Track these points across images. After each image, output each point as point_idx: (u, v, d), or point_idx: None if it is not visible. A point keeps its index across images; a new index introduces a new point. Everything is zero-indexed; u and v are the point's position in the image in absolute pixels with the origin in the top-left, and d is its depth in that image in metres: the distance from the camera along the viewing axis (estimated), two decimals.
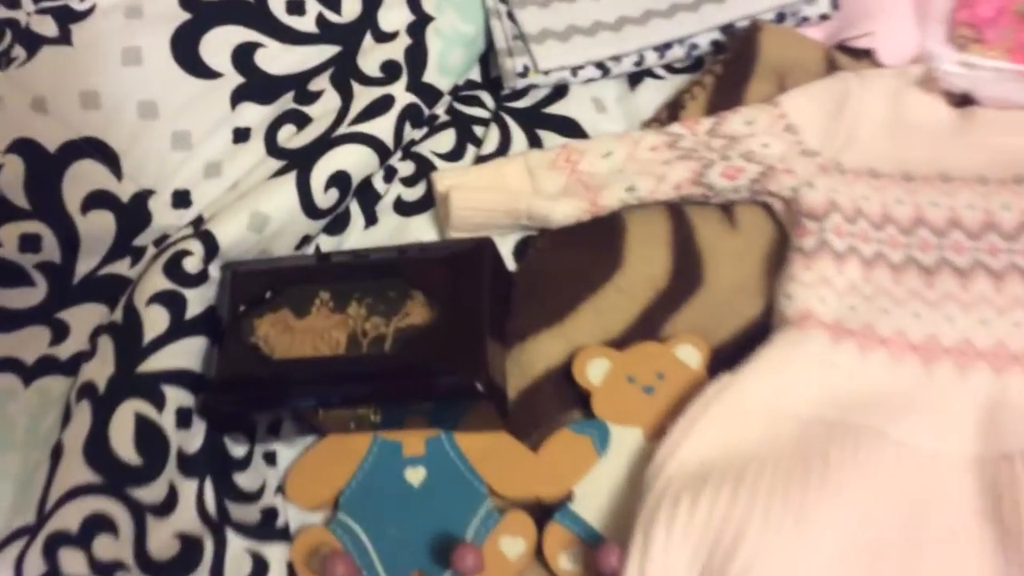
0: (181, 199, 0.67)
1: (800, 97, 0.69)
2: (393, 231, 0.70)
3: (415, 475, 0.61)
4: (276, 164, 0.67)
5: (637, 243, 0.67)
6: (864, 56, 0.74)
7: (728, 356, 0.62)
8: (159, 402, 0.59)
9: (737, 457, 0.56)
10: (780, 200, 0.67)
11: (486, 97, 0.76)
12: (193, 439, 0.60)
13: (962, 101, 0.69)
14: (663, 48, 0.74)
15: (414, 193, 0.71)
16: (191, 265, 0.62)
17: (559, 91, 0.74)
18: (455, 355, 0.57)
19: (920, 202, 0.64)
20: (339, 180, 0.67)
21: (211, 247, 0.63)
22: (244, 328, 0.61)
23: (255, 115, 0.69)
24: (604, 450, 0.61)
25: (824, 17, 0.76)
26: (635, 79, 0.75)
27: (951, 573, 0.53)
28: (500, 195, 0.67)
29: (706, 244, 0.67)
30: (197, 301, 0.62)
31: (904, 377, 0.59)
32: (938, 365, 0.59)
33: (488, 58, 0.76)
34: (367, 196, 0.70)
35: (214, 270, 0.64)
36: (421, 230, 0.69)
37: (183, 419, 0.59)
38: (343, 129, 0.68)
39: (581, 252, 0.67)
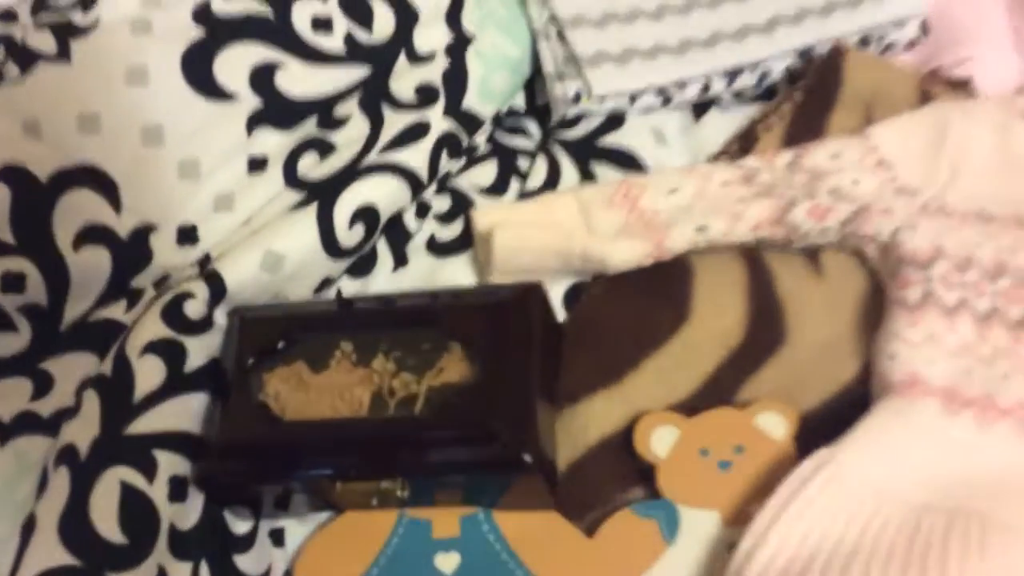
0: (187, 235, 0.59)
1: (893, 129, 0.60)
2: (426, 274, 0.61)
3: (448, 562, 0.52)
4: (295, 197, 0.59)
5: (707, 291, 0.59)
6: (960, 86, 0.66)
7: (818, 426, 0.53)
8: (150, 470, 0.51)
9: (837, 553, 0.47)
10: (874, 245, 0.58)
11: (532, 126, 0.68)
12: (188, 514, 0.52)
13: None
14: (732, 74, 0.66)
15: (450, 231, 0.62)
16: (193, 310, 0.54)
17: (614, 121, 0.66)
18: (499, 419, 0.48)
19: None
20: (366, 215, 0.59)
21: (217, 289, 0.55)
22: (252, 384, 0.53)
23: (273, 142, 0.61)
24: (673, 537, 0.51)
25: (912, 44, 0.68)
26: (700, 109, 0.67)
27: None
28: (551, 234, 0.58)
29: (788, 294, 0.58)
30: (199, 351, 0.54)
31: None
32: None
33: (534, 83, 0.67)
34: (397, 234, 0.62)
35: (220, 316, 0.56)
36: (457, 273, 0.61)
37: (177, 490, 0.51)
38: (372, 158, 0.60)
39: (642, 301, 0.58)
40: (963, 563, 0.45)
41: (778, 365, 0.56)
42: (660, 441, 0.53)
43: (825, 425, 0.53)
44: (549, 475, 0.51)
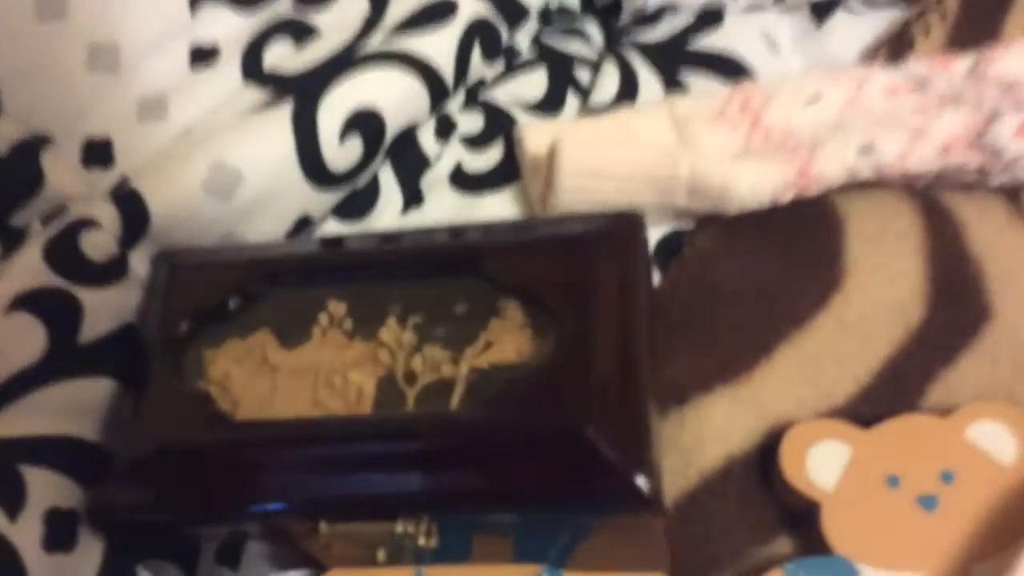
0: (96, 153, 0.42)
1: None
2: (449, 216, 0.43)
3: None
4: (259, 95, 0.40)
5: (868, 247, 0.40)
6: None
7: None
8: (13, 499, 0.32)
9: None
10: None
11: (593, 29, 0.49)
12: (78, 571, 0.32)
13: None
14: None
15: (483, 160, 0.44)
16: (96, 247, 0.36)
17: (710, 17, 0.48)
18: (599, 421, 0.29)
19: None
20: (364, 123, 0.40)
21: (135, 218, 0.37)
22: (186, 364, 0.33)
23: (227, 26, 0.43)
24: None
25: None
26: (822, 11, 0.49)
27: None
28: (640, 153, 0.39)
29: (985, 251, 0.40)
30: (102, 312, 0.36)
31: None
32: None
33: None
34: (409, 160, 0.44)
35: (139, 261, 0.36)
36: (493, 216, 0.42)
37: (59, 533, 0.33)
38: (374, 45, 0.41)
39: (775, 257, 0.40)
40: None
41: (983, 352, 0.38)
42: (823, 465, 0.35)
43: None
44: (661, 512, 0.32)
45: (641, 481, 0.28)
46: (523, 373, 0.31)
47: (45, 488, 0.32)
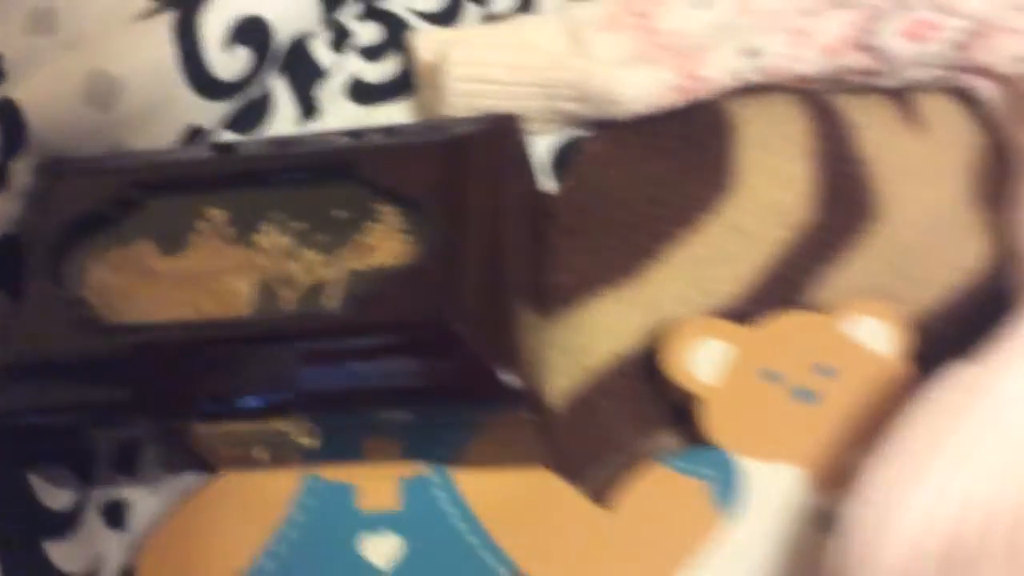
0: None
1: None
2: (349, 127, 0.41)
3: (381, 548, 0.33)
4: (146, 5, 0.40)
5: (758, 150, 0.41)
6: None
7: (938, 334, 0.36)
8: None
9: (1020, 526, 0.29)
10: (994, 81, 0.40)
11: None
12: None
13: None
14: None
15: (380, 70, 0.43)
16: None
17: None
18: (461, 318, 0.29)
19: None
20: (251, 32, 0.39)
21: (12, 128, 0.35)
22: (67, 272, 0.33)
23: None
24: (732, 505, 0.33)
25: None
26: None
27: None
28: (529, 60, 0.39)
29: (874, 154, 0.40)
30: None
31: None
32: None
33: None
34: (303, 71, 0.42)
35: (21, 171, 0.36)
36: None
37: None
38: None
39: (665, 162, 0.40)
40: None
41: (867, 251, 0.39)
42: (705, 361, 0.35)
43: (947, 332, 0.35)
44: (534, 407, 0.32)
45: (507, 376, 0.29)
46: (398, 275, 0.31)
47: None
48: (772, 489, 0.33)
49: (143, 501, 0.36)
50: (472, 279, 0.30)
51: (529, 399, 0.31)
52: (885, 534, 0.29)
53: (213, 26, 0.38)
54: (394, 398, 0.30)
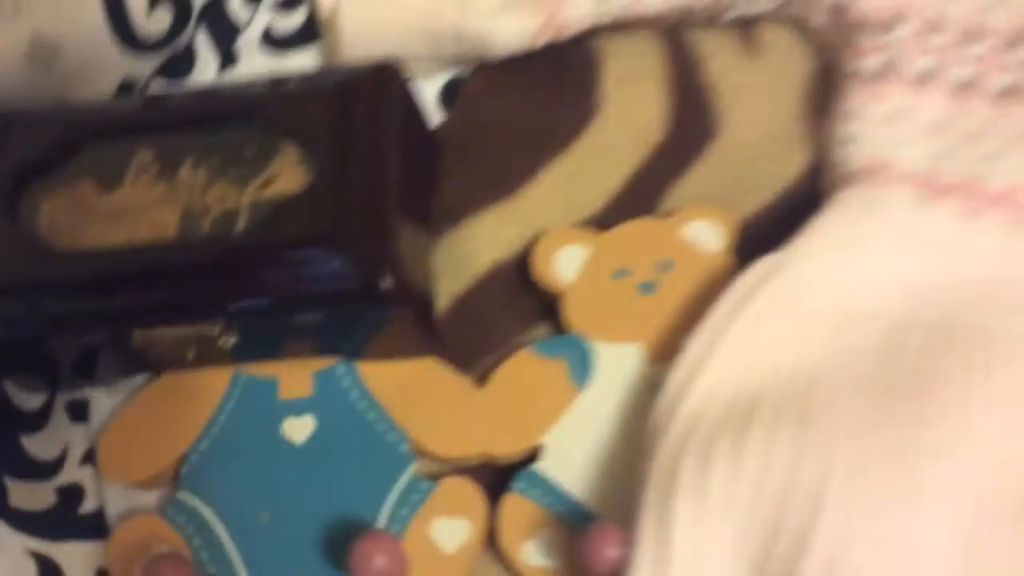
0: None
1: None
2: (263, 74, 0.47)
3: (298, 428, 0.40)
4: None
5: (619, 81, 0.47)
6: None
7: (761, 233, 0.42)
8: None
9: (796, 380, 0.36)
10: (824, 10, 0.46)
11: None
12: None
13: None
14: None
15: (290, 21, 0.49)
16: None
17: None
18: (346, 235, 0.36)
19: None
20: None
21: None
22: (20, 211, 0.39)
23: None
24: (585, 380, 0.40)
25: None
26: None
27: None
28: (411, 9, 0.45)
29: (718, 79, 0.47)
30: None
31: None
32: None
33: None
34: (221, 25, 0.48)
35: None
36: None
37: None
38: None
39: (537, 95, 0.47)
40: (966, 389, 0.35)
41: (709, 164, 0.45)
42: (566, 263, 0.42)
43: (770, 231, 0.42)
44: (419, 308, 0.39)
45: (384, 280, 0.35)
46: (295, 201, 0.37)
47: None
48: (617, 364, 0.40)
49: (101, 399, 0.42)
50: (355, 201, 0.37)
51: (410, 301, 0.37)
52: (686, 391, 0.36)
53: None
54: (295, 302, 0.37)
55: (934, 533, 0.32)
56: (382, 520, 0.38)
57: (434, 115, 0.47)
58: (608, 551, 0.34)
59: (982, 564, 0.32)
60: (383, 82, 0.40)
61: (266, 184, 0.38)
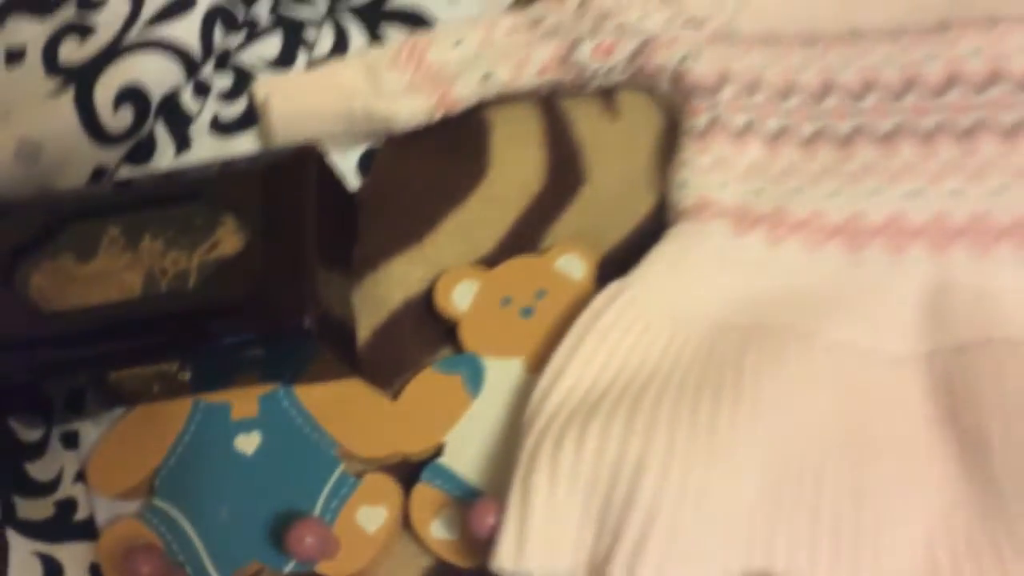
0: None
1: None
2: (212, 156, 0.58)
3: (248, 442, 0.50)
4: (55, 83, 0.55)
5: (505, 143, 0.57)
6: None
7: (620, 262, 0.52)
8: None
9: (636, 377, 0.46)
10: (666, 80, 0.56)
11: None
12: None
13: None
14: None
15: (234, 109, 0.59)
16: None
17: None
18: (273, 287, 0.46)
19: (829, 65, 0.54)
20: (132, 96, 0.55)
21: None
22: (15, 281, 0.49)
23: (31, 32, 0.57)
24: (478, 390, 0.50)
25: None
26: None
27: (903, 490, 0.43)
28: (331, 96, 0.55)
29: (586, 137, 0.57)
30: None
31: (827, 266, 0.49)
32: (866, 249, 0.49)
33: None
34: (176, 116, 0.58)
35: None
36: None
37: None
38: (134, 35, 0.56)
39: (438, 159, 0.56)
40: (758, 375, 0.44)
41: (579, 208, 0.55)
42: (461, 296, 0.52)
43: (625, 261, 0.51)
44: (340, 342, 0.49)
45: (306, 321, 0.45)
46: (233, 261, 0.47)
47: None
48: (503, 376, 0.50)
49: (88, 429, 0.52)
50: (280, 259, 0.46)
51: (326, 336, 0.47)
52: (549, 392, 0.45)
53: (104, 95, 0.54)
54: (237, 343, 0.46)
55: (730, 488, 0.42)
56: (317, 510, 0.48)
57: (353, 180, 0.57)
58: (488, 519, 0.44)
59: (769, 512, 0.42)
60: (303, 161, 0.50)
61: (211, 249, 0.48)
